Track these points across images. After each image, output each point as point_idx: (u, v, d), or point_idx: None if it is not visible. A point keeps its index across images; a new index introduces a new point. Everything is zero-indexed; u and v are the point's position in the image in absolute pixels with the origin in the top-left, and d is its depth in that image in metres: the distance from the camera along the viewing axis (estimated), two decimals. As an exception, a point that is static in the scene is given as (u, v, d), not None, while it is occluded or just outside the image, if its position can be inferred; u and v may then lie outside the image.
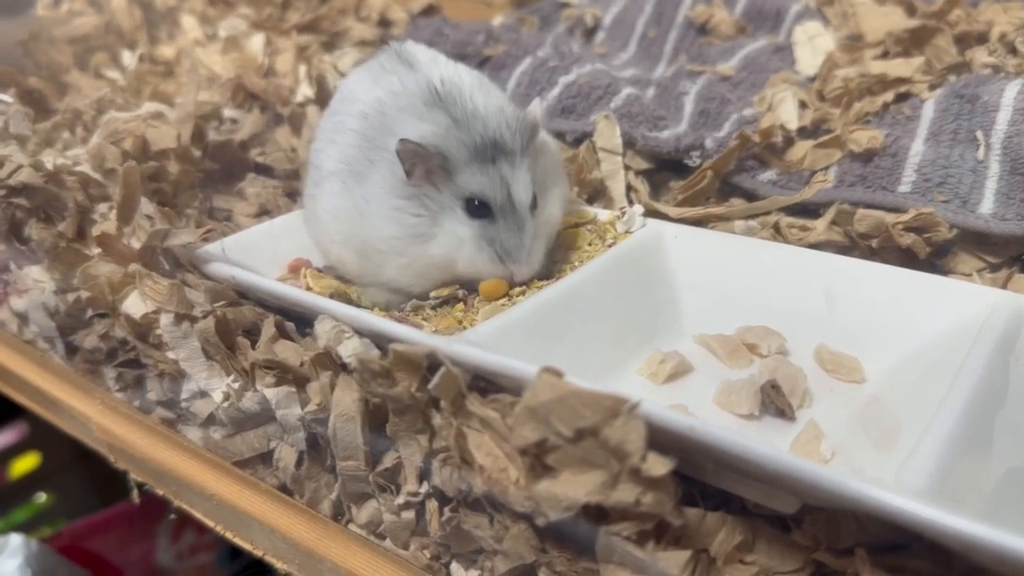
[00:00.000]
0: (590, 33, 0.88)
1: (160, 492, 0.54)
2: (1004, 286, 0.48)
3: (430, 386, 0.38)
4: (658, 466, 0.32)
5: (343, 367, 0.43)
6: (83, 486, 1.13)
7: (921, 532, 0.28)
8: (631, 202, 0.61)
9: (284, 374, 0.44)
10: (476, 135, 0.50)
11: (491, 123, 0.51)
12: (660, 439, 0.32)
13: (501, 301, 0.50)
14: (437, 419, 0.39)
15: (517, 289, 0.51)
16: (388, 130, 0.51)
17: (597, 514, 0.34)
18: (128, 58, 0.86)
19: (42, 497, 1.15)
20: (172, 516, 0.54)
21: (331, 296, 0.50)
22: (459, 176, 0.50)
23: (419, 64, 0.54)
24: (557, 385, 0.33)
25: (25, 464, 1.17)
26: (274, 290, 0.48)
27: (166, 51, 0.88)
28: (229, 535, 0.50)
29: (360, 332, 0.44)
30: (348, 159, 0.53)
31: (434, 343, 0.39)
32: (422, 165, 0.49)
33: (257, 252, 0.54)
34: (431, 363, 0.39)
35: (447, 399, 0.38)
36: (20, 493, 1.14)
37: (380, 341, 0.44)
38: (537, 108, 0.53)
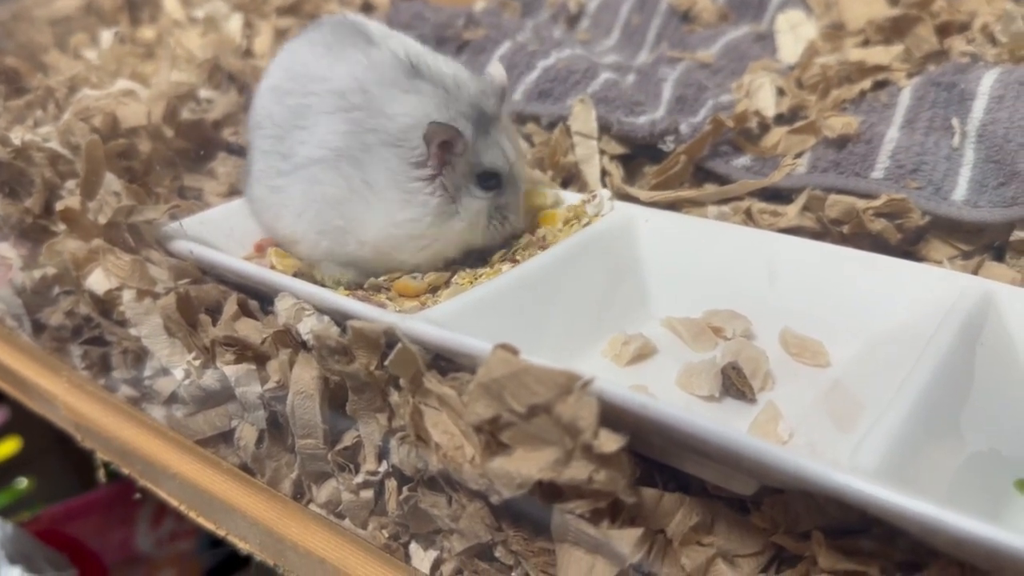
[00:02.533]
0: (574, 20, 0.88)
1: (126, 471, 0.53)
2: (975, 273, 0.48)
3: (386, 362, 0.38)
4: (610, 443, 0.31)
5: (303, 345, 0.43)
6: (64, 470, 1.13)
7: (866, 510, 0.28)
8: (605, 186, 0.60)
9: (244, 351, 0.44)
10: (467, 105, 0.51)
11: (474, 90, 0.52)
12: (617, 419, 0.32)
13: (423, 297, 0.50)
14: (395, 397, 0.39)
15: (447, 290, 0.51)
16: (377, 110, 0.50)
17: (552, 492, 0.34)
18: (108, 39, 0.86)
19: (23, 482, 1.14)
20: (138, 496, 0.54)
21: (295, 275, 0.49)
22: (470, 151, 0.50)
23: (375, 36, 0.53)
24: (510, 361, 0.33)
25: (5, 448, 1.16)
26: (232, 267, 0.48)
27: (147, 33, 0.87)
28: (193, 515, 0.50)
29: (321, 310, 0.44)
30: (334, 144, 0.50)
31: (391, 320, 0.39)
32: (444, 146, 0.49)
33: (226, 230, 0.54)
34: (389, 340, 0.39)
35: (405, 376, 0.38)
36: (0, 478, 1.14)
37: (342, 319, 0.43)
38: (501, 69, 0.54)
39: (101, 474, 0.56)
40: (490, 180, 0.51)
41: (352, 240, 0.51)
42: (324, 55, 0.53)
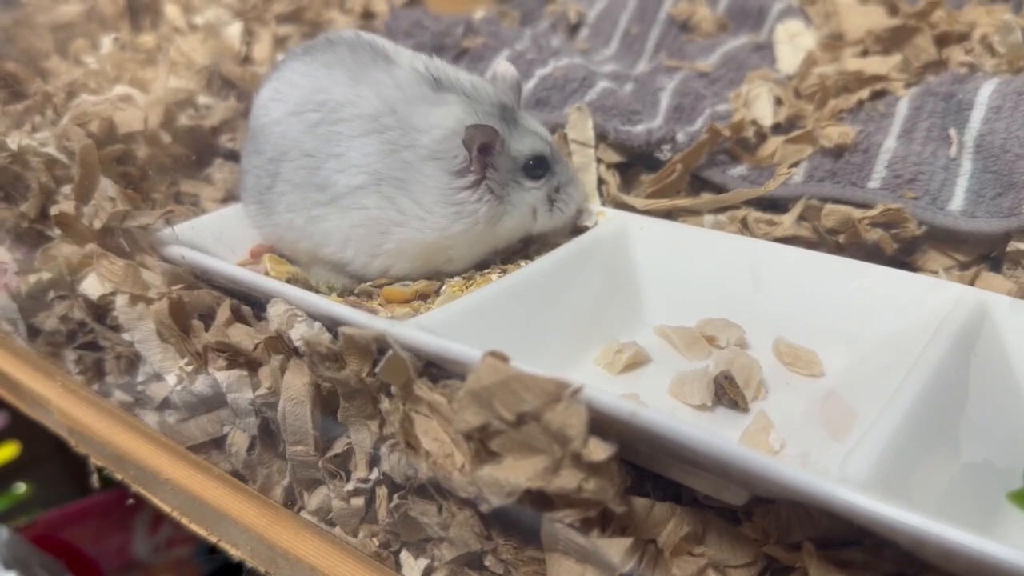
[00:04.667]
0: (574, 29, 0.88)
1: (119, 477, 0.53)
2: (971, 284, 0.48)
3: (377, 369, 0.38)
4: (599, 451, 0.31)
5: (295, 351, 0.43)
6: (63, 476, 1.12)
7: (854, 521, 0.28)
8: (602, 194, 0.60)
9: (236, 357, 0.44)
10: (491, 105, 0.51)
11: (491, 90, 0.53)
12: (607, 427, 0.32)
13: (414, 303, 0.50)
14: (386, 404, 0.39)
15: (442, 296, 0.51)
16: (410, 126, 0.50)
17: (541, 501, 0.33)
18: (107, 45, 0.86)
19: (21, 487, 1.14)
20: (130, 502, 0.54)
21: (288, 281, 0.49)
22: (508, 146, 0.51)
23: (391, 53, 0.53)
24: (500, 369, 0.33)
25: (4, 453, 1.16)
26: (225, 272, 0.48)
27: (147, 39, 0.87)
28: (185, 521, 0.49)
29: (313, 316, 0.44)
30: (372, 168, 0.50)
31: (382, 326, 0.39)
32: (484, 148, 0.50)
33: (218, 236, 0.54)
34: (381, 347, 0.39)
35: (396, 383, 0.38)
36: (-2, 483, 1.14)
37: (334, 326, 0.43)
38: (509, 64, 0.54)
39: (94, 479, 0.56)
40: (538, 168, 0.52)
41: (405, 258, 0.52)
42: (344, 78, 0.52)
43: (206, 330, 0.46)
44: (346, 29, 0.57)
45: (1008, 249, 0.49)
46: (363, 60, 0.52)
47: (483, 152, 0.50)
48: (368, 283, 0.52)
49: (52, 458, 1.12)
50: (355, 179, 0.50)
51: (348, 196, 0.51)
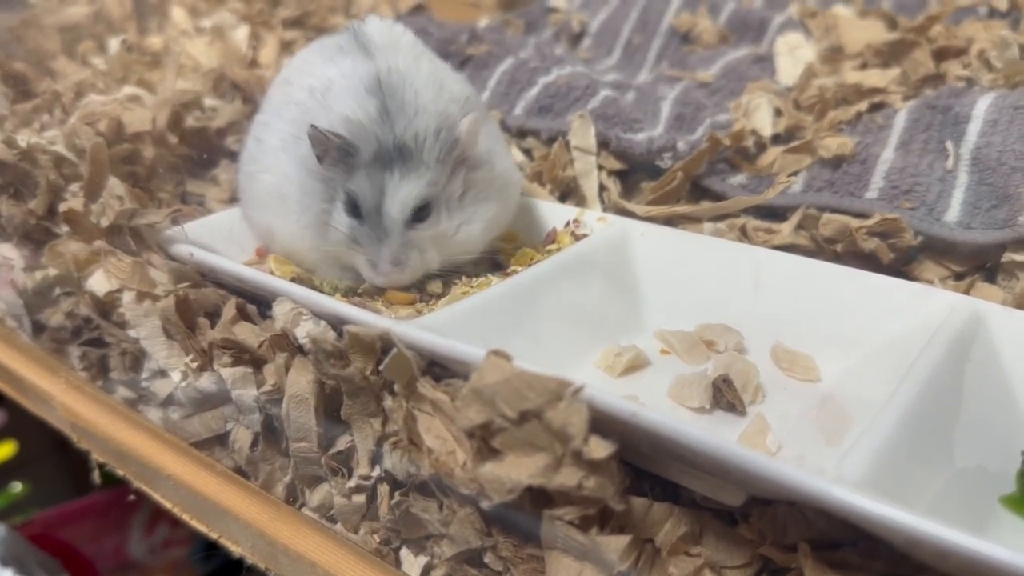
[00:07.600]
0: (577, 38, 0.89)
1: (121, 473, 0.54)
2: (966, 294, 0.48)
3: (381, 367, 0.38)
4: (599, 449, 0.32)
5: (299, 349, 0.43)
6: (59, 476, 1.13)
7: (848, 520, 0.28)
8: (603, 201, 0.61)
9: (241, 354, 0.44)
10: (390, 135, 0.49)
11: (411, 126, 0.50)
12: (607, 427, 0.32)
13: (417, 305, 0.51)
14: (389, 401, 0.39)
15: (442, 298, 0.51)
16: (324, 107, 0.51)
17: (542, 498, 0.34)
18: (115, 46, 0.87)
19: (17, 486, 1.14)
20: (132, 497, 0.54)
21: (293, 280, 0.50)
22: (353, 172, 0.50)
23: (375, 50, 0.53)
24: (503, 367, 0.33)
25: (1, 453, 1.16)
26: (232, 271, 0.48)
27: (154, 41, 0.88)
28: (186, 517, 0.50)
29: (318, 315, 0.44)
30: (285, 135, 0.53)
31: (386, 325, 0.39)
32: (328, 153, 0.50)
33: (226, 235, 0.55)
34: (385, 346, 0.39)
35: (400, 382, 0.38)
36: (-6, 481, 1.14)
37: (339, 324, 0.44)
38: (468, 123, 0.51)
39: (96, 476, 0.56)
40: (353, 208, 0.50)
41: (280, 235, 0.54)
42: (321, 57, 0.55)
43: (212, 327, 0.47)
44: (367, 19, 0.57)
45: (1002, 260, 0.49)
46: (346, 48, 0.54)
47: (332, 159, 0.50)
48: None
49: (49, 457, 1.12)
50: (272, 138, 0.53)
51: (267, 156, 0.53)
